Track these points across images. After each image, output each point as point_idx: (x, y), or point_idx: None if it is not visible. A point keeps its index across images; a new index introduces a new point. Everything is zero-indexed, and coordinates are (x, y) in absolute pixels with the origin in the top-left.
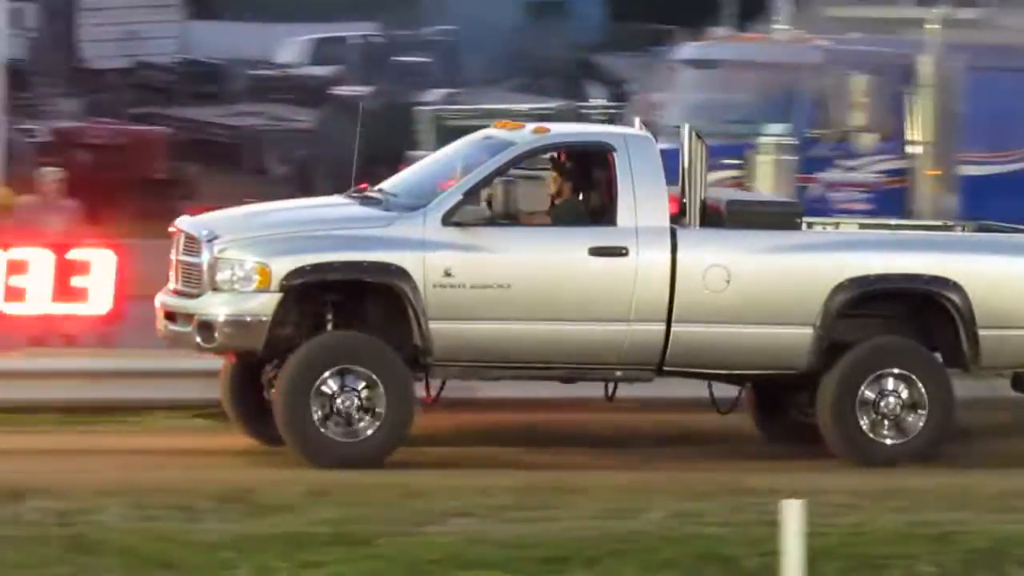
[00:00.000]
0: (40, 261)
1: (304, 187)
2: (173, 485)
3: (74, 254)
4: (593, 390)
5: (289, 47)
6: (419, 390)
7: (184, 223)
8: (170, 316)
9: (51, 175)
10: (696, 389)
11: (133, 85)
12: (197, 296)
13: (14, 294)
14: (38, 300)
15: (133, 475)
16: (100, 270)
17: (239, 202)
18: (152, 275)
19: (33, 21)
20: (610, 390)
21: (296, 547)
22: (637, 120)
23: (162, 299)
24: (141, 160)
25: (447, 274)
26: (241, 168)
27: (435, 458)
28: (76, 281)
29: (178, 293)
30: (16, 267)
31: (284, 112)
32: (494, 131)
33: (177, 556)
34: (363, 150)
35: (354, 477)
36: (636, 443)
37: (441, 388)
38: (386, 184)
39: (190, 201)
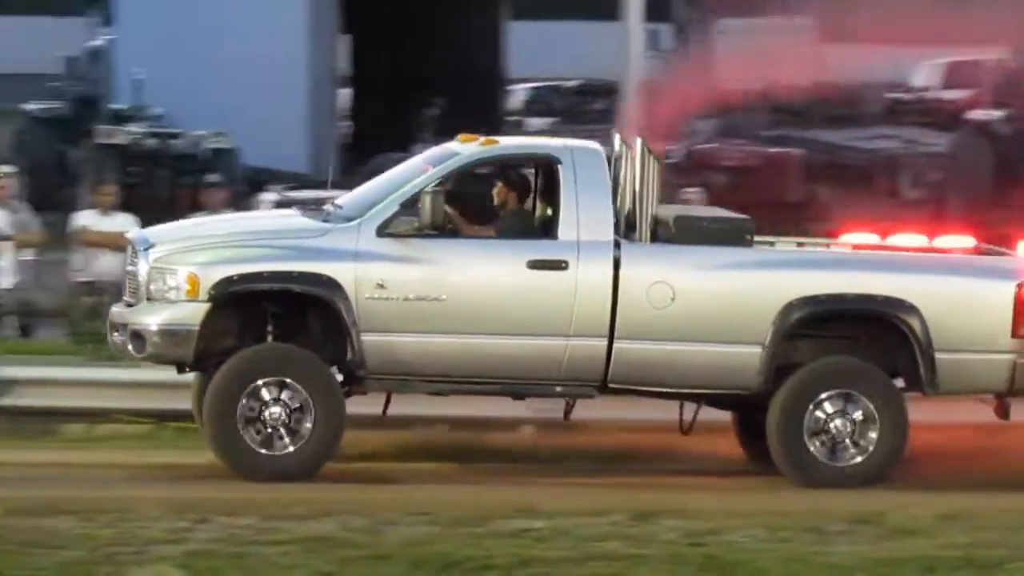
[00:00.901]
0: None
1: (937, 212)
2: (803, 507)
3: None
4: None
5: (923, 70)
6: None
7: (131, 234)
8: (115, 327)
9: (692, 194)
10: None
11: (768, 108)
12: (134, 305)
13: None
14: None
15: (762, 497)
16: None
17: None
18: None
19: (669, 43)
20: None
21: (927, 571)
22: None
23: (111, 310)
24: (774, 182)
25: (380, 286)
26: (872, 191)
27: None
28: None
29: (126, 304)
30: None
31: (918, 136)
32: (453, 143)
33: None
34: (994, 174)
35: (986, 500)
36: None
37: (387, 403)
38: (341, 198)
39: (822, 223)
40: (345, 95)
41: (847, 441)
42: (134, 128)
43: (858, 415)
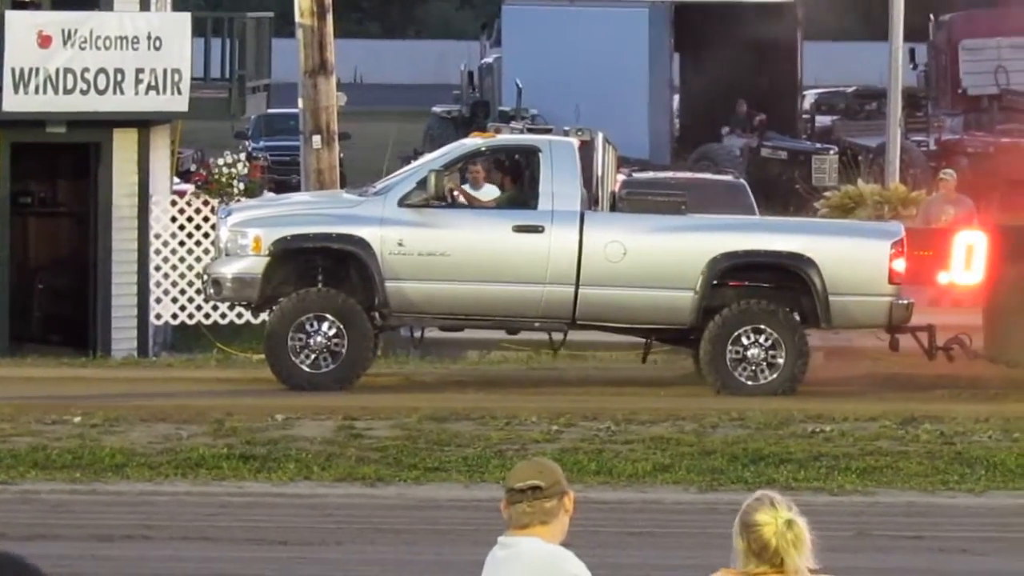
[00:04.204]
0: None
1: None
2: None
3: (961, 238)
4: None
5: None
6: None
7: (219, 207)
8: (202, 276)
9: (949, 176)
10: None
11: (1001, 108)
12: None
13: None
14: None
15: (999, 407)
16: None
17: None
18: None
19: (923, 58)
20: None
21: None
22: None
23: (203, 264)
24: (1007, 166)
25: (400, 244)
26: None
27: None
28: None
29: (211, 259)
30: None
31: None
32: (467, 138)
33: None
34: None
35: None
36: None
37: (422, 336)
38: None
39: None
40: (675, 99)
41: (762, 364)
42: (515, 126)
43: (768, 344)
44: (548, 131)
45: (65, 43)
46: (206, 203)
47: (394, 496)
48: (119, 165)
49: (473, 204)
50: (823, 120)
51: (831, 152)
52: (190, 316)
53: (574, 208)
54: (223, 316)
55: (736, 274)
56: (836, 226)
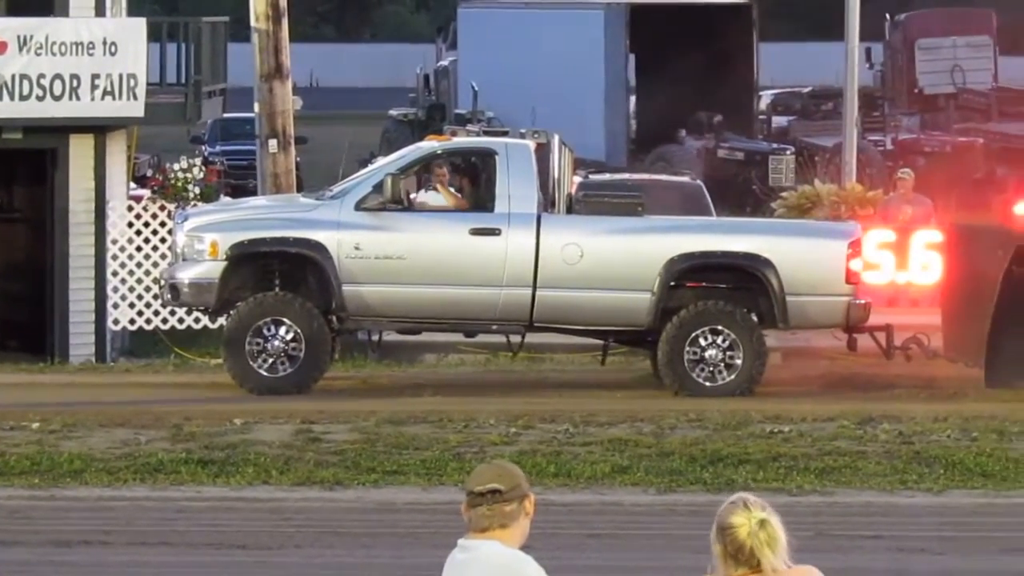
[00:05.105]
0: (893, 240)
1: None
2: (987, 413)
3: (917, 236)
4: None
5: None
6: None
7: (176, 212)
8: (159, 282)
9: (907, 175)
10: None
11: (957, 107)
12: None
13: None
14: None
15: (957, 406)
16: (934, 249)
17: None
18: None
19: (879, 58)
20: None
21: None
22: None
23: (159, 269)
24: (963, 164)
25: (357, 248)
26: None
27: None
28: (917, 256)
29: (168, 264)
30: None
31: None
32: (423, 142)
33: (992, 468)
34: None
35: None
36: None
37: (380, 340)
38: (336, 184)
39: (1001, 196)
40: (632, 100)
41: (720, 365)
42: (471, 128)
43: (725, 345)
44: (504, 133)
45: (21, 49)
46: (163, 208)
47: (353, 499)
48: (75, 171)
49: (457, 204)
50: (779, 120)
51: (788, 152)
52: (147, 321)
53: (531, 210)
54: (180, 321)
55: (693, 275)
56: (793, 226)
